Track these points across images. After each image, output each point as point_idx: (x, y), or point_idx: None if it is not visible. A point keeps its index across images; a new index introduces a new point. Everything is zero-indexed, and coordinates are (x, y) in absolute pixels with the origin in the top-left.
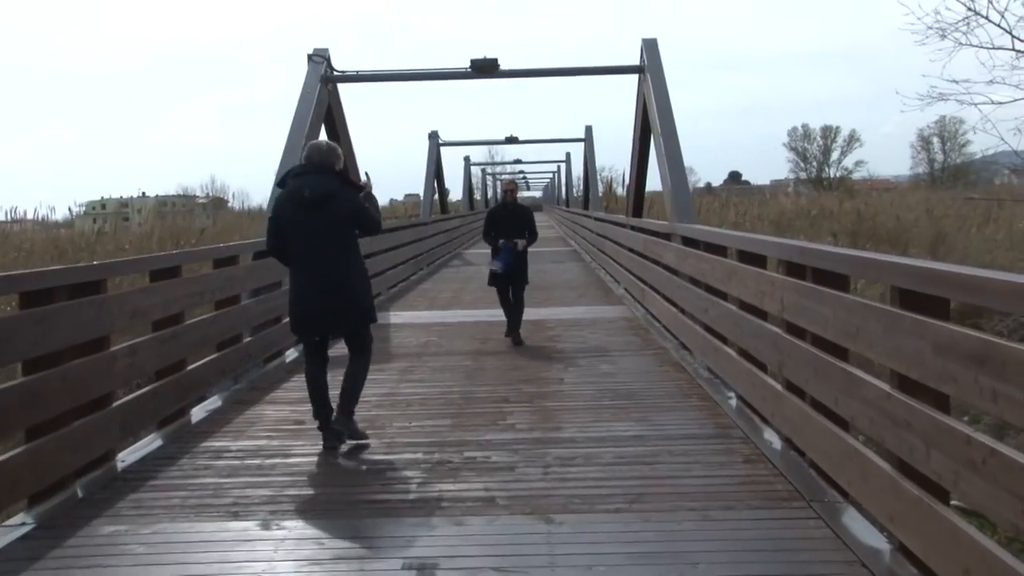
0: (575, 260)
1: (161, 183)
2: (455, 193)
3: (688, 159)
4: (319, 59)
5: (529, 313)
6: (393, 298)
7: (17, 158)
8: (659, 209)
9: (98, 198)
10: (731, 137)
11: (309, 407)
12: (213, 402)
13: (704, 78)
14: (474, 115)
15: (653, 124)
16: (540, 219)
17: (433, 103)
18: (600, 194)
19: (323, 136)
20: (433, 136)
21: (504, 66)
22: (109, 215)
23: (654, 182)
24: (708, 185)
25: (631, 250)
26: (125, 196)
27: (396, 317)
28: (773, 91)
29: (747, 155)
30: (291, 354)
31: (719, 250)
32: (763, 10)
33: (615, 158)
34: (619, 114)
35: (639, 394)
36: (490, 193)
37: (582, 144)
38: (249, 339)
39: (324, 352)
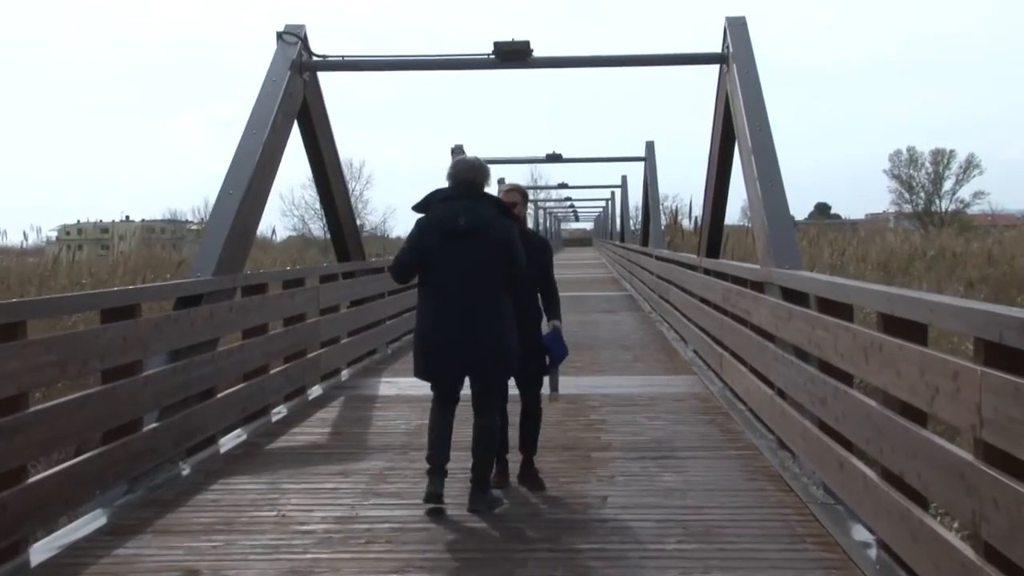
0: (631, 309)
1: (148, 206)
2: None
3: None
4: (291, 38)
5: (566, 384)
6: (391, 357)
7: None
8: (741, 247)
9: (74, 221)
10: (817, 163)
11: (234, 544)
12: (74, 531)
13: (780, 94)
14: (509, 129)
15: (740, 132)
16: (588, 256)
17: (459, 112)
18: (663, 227)
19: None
20: (457, 151)
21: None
22: (87, 241)
23: (733, 212)
24: (791, 219)
25: (704, 301)
26: (107, 220)
27: (388, 386)
28: (868, 108)
29: (837, 184)
30: (228, 442)
31: (843, 310)
32: (851, 12)
33: (680, 185)
34: (685, 132)
35: (723, 532)
36: (531, 223)
37: (641, 165)
38: (156, 425)
39: (455, 398)
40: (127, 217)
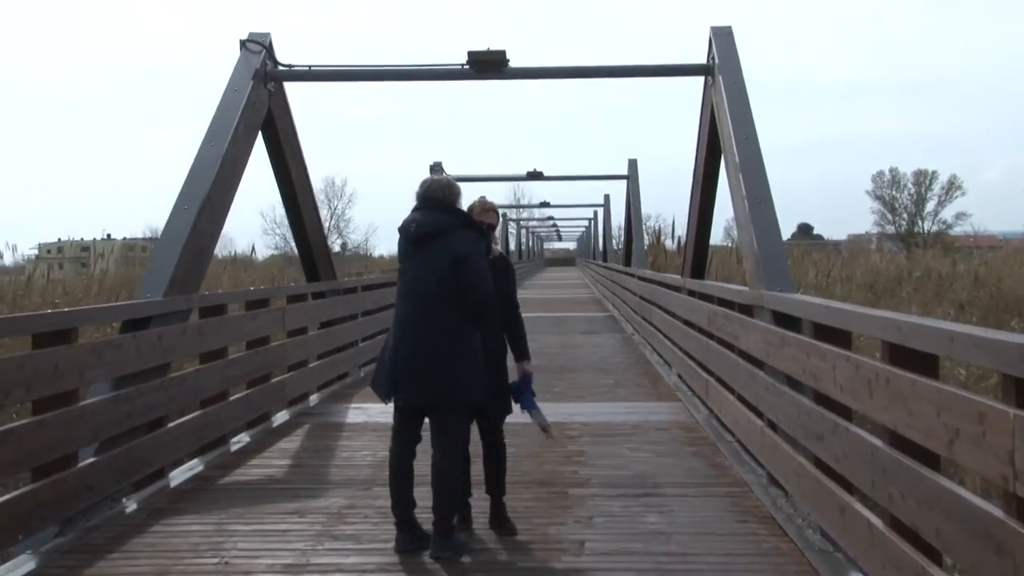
0: (613, 330)
1: (129, 224)
2: None
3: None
4: (255, 47)
5: (544, 411)
6: (363, 380)
7: None
8: (726, 268)
9: (55, 239)
10: (799, 182)
11: None
12: None
13: (760, 111)
14: (490, 146)
15: (726, 146)
16: (571, 276)
17: (439, 130)
18: (646, 246)
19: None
20: (436, 168)
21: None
22: (67, 259)
23: (716, 231)
24: (781, 239)
25: (689, 323)
26: (87, 238)
27: (356, 412)
28: (849, 129)
29: (819, 205)
30: (179, 475)
31: (841, 337)
32: (834, 34)
33: (664, 205)
34: (669, 150)
35: None
36: (513, 243)
37: (624, 183)
38: (93, 459)
39: (414, 434)
40: (108, 235)
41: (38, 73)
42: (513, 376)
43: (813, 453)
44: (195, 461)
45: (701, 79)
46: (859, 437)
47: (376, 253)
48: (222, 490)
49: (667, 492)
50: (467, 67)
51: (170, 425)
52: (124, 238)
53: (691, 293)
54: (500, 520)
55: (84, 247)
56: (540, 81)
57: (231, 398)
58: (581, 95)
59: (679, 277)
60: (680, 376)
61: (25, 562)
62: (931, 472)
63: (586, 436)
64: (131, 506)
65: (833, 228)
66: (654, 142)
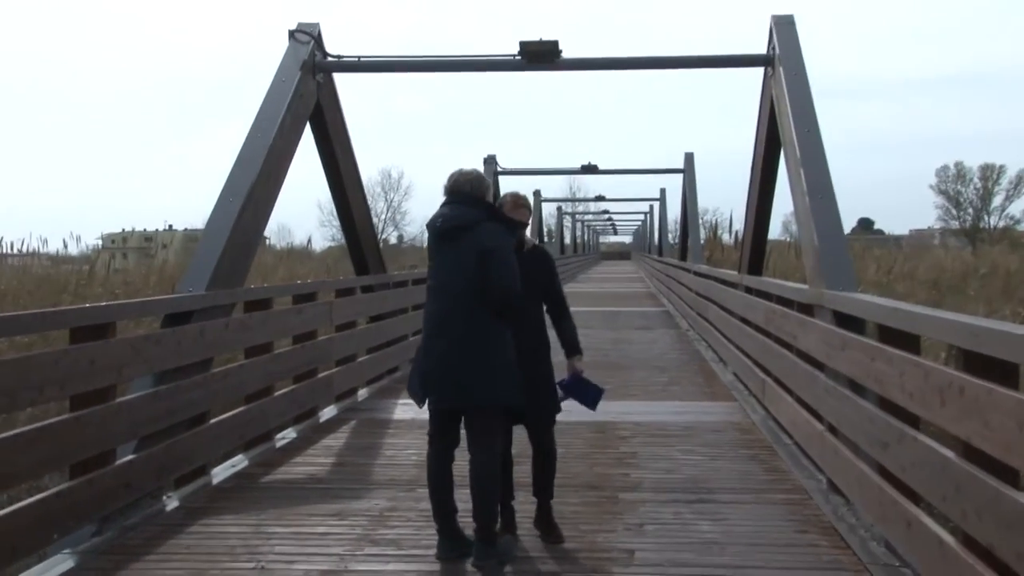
0: (667, 326)
1: (190, 215)
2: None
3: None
4: (304, 37)
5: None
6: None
7: (41, 187)
8: (784, 264)
9: (119, 230)
10: (860, 178)
11: None
12: None
13: (824, 105)
14: (545, 139)
15: (787, 139)
16: (626, 269)
17: (494, 123)
18: (702, 241)
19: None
20: (490, 162)
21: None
22: (131, 249)
23: (774, 226)
24: (844, 235)
25: (745, 321)
26: (150, 229)
27: (404, 409)
28: (912, 123)
29: (880, 199)
30: (221, 472)
31: (909, 341)
32: (898, 24)
33: (721, 199)
34: (727, 143)
35: None
36: (568, 237)
37: (680, 177)
38: (132, 456)
39: (451, 436)
40: (170, 226)
41: (100, 64)
42: (561, 373)
43: (877, 461)
44: (239, 457)
45: (760, 71)
46: (929, 447)
47: None
48: (263, 489)
49: (721, 498)
50: (519, 58)
51: (212, 422)
52: (185, 229)
53: (748, 290)
54: (546, 525)
55: (147, 237)
56: (594, 74)
57: (276, 394)
58: (636, 88)
59: (736, 273)
60: (736, 374)
61: (61, 562)
62: (1011, 490)
63: (638, 437)
64: (171, 504)
65: (894, 223)
66: (711, 136)
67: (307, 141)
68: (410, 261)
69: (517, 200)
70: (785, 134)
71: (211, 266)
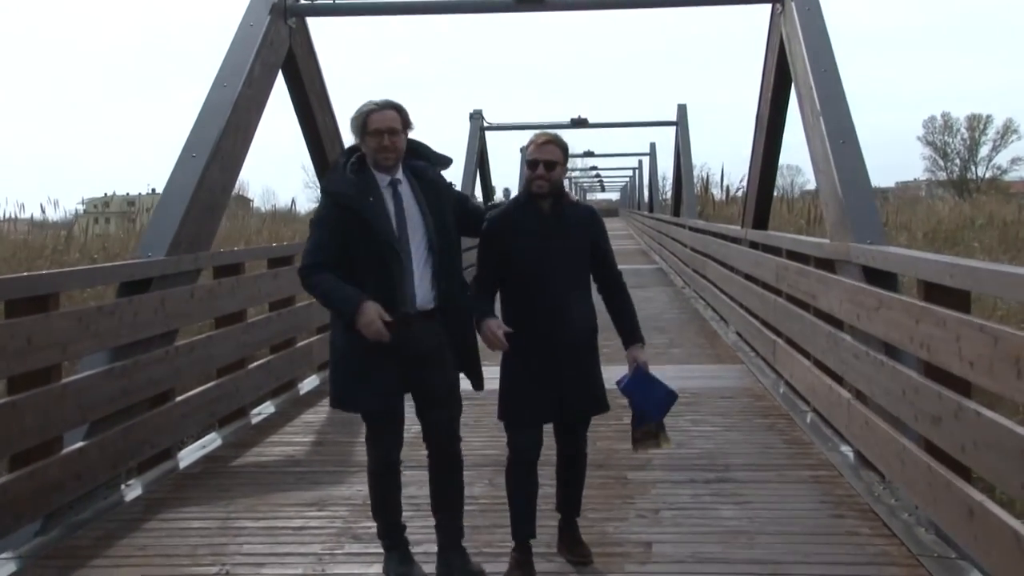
0: (662, 283)
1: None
2: (512, 193)
3: (791, 157)
4: None
5: None
6: None
7: (17, 149)
8: (776, 218)
9: (101, 195)
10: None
11: None
12: None
13: None
14: (531, 93)
15: (801, 81)
16: (615, 227)
17: (477, 76)
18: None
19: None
20: (476, 117)
21: None
22: (113, 214)
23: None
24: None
25: (751, 278)
26: (133, 193)
27: None
28: (898, 75)
29: (865, 151)
30: (188, 455)
31: (960, 299)
32: None
33: (708, 154)
34: (714, 98)
35: None
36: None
37: (670, 132)
38: (81, 444)
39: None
40: (152, 190)
41: (86, 27)
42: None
43: (924, 436)
44: (212, 435)
45: (766, 10)
46: (1000, 426)
47: None
48: (234, 474)
49: (741, 476)
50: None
51: (177, 400)
52: None
53: (754, 245)
54: (573, 543)
55: (130, 202)
56: (582, 27)
57: (250, 366)
58: (624, 42)
59: (738, 228)
60: (739, 334)
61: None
62: None
63: None
64: (131, 493)
65: (881, 176)
66: (700, 89)
67: (283, 95)
68: None
69: (539, 145)
70: (799, 76)
71: (172, 228)
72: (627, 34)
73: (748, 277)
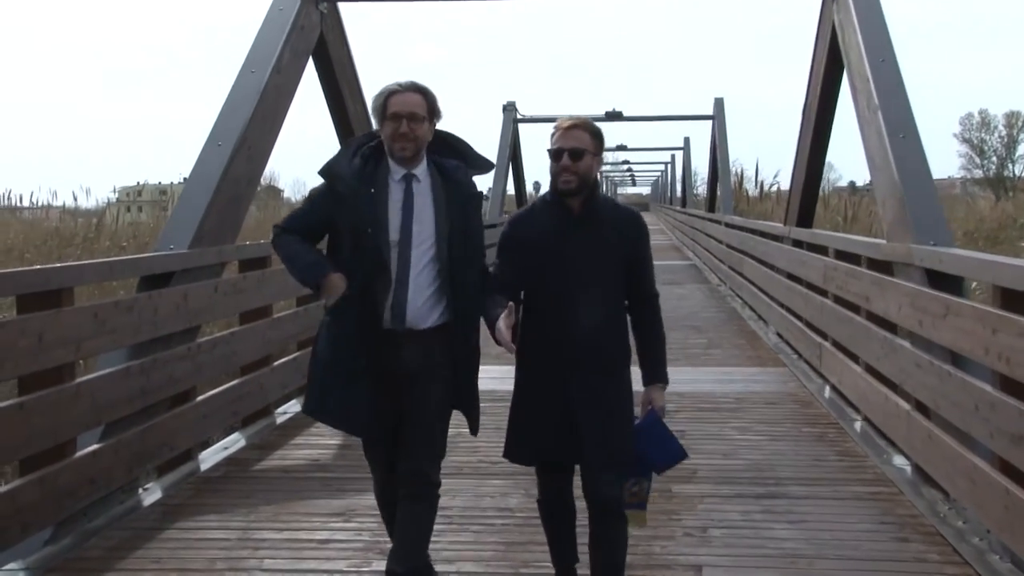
0: (696, 280)
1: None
2: (542, 187)
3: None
4: None
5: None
6: None
7: (51, 138)
8: (816, 214)
9: (134, 183)
10: None
11: None
12: None
13: None
14: (566, 86)
15: (857, 73)
16: (647, 221)
17: (509, 68)
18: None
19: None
20: (509, 109)
21: None
22: (146, 203)
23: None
24: (852, 184)
25: (794, 278)
26: (165, 182)
27: None
28: (933, 70)
29: None
30: (210, 457)
31: None
32: None
33: (740, 150)
34: (750, 93)
35: None
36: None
37: (704, 126)
38: (96, 446)
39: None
40: (184, 179)
41: (118, 20)
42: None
43: (1001, 456)
44: (235, 436)
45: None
46: None
47: None
48: (257, 479)
49: (793, 491)
50: None
51: (199, 399)
52: None
53: (798, 244)
54: None
55: (162, 191)
56: (620, 18)
57: (276, 363)
58: (661, 34)
59: (780, 225)
60: (780, 335)
61: None
62: None
63: (684, 411)
64: (149, 498)
65: None
66: (733, 86)
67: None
68: None
69: (564, 130)
70: (853, 66)
71: (196, 220)
72: (663, 28)
73: (791, 276)
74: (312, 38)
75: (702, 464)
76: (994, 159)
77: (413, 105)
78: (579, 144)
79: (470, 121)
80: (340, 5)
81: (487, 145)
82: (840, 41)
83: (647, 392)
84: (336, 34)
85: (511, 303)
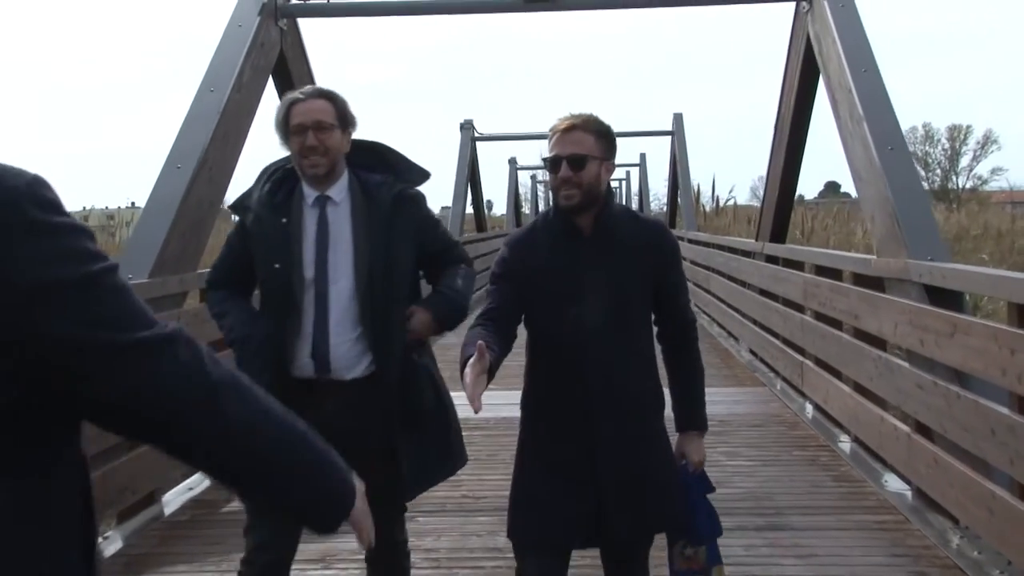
0: None
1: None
2: (498, 206)
3: (761, 167)
4: None
5: None
6: None
7: None
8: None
9: (79, 208)
10: (824, 140)
11: None
12: None
13: (775, 69)
14: (523, 102)
15: (836, 83)
16: None
17: (467, 83)
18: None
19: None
20: (466, 127)
21: None
22: (93, 228)
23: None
24: (800, 197)
25: (768, 294)
26: (112, 206)
27: None
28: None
29: (843, 161)
30: (174, 499)
31: None
32: None
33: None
34: (703, 110)
35: None
36: (541, 205)
37: (661, 142)
38: None
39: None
40: (132, 203)
41: (68, 45)
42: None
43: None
44: (199, 475)
45: (786, 9)
46: None
47: None
48: (226, 522)
49: (796, 521)
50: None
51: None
52: None
53: (772, 259)
54: None
55: (109, 215)
56: (574, 32)
57: None
58: (617, 51)
59: (752, 241)
60: (754, 352)
61: None
62: None
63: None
64: (111, 548)
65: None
66: (687, 104)
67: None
68: None
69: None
70: (833, 78)
71: (156, 247)
72: (618, 46)
73: (765, 293)
74: (272, 55)
75: None
76: (938, 171)
77: (318, 113)
78: (580, 149)
79: (427, 140)
80: (300, 21)
81: (445, 167)
82: (816, 53)
83: (682, 441)
84: (296, 51)
85: (481, 342)
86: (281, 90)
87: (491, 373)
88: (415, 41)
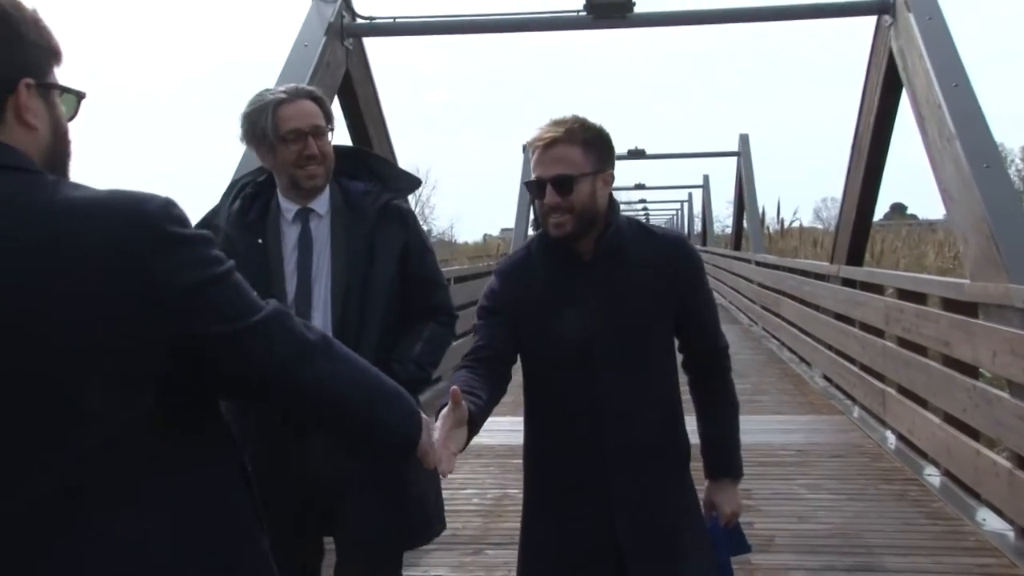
0: (726, 321)
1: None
2: None
3: (829, 187)
4: None
5: None
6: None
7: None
8: (804, 253)
9: None
10: (891, 160)
11: None
12: None
13: (843, 81)
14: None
15: (924, 99)
16: None
17: (523, 112)
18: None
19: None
20: (527, 149)
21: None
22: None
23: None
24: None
25: (844, 318)
26: None
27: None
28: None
29: (912, 182)
30: None
31: None
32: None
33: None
34: (763, 133)
35: None
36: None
37: (725, 163)
38: None
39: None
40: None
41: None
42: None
43: None
44: None
45: (868, 22)
46: None
47: (460, 240)
48: None
49: (889, 562)
50: (584, 13)
51: None
52: None
53: (848, 283)
54: None
55: None
56: (638, 55)
57: None
58: (680, 74)
59: (826, 264)
60: (828, 379)
61: None
62: None
63: (744, 465)
64: None
65: (929, 208)
66: (749, 126)
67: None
68: (441, 256)
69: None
70: (920, 94)
71: None
72: (682, 68)
73: (840, 317)
74: (338, 76)
75: (778, 529)
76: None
77: (313, 116)
78: (565, 168)
79: (482, 161)
80: (365, 41)
81: (510, 189)
82: (900, 68)
83: (712, 490)
84: (361, 71)
85: (455, 388)
86: (347, 111)
87: (474, 424)
88: (476, 63)
